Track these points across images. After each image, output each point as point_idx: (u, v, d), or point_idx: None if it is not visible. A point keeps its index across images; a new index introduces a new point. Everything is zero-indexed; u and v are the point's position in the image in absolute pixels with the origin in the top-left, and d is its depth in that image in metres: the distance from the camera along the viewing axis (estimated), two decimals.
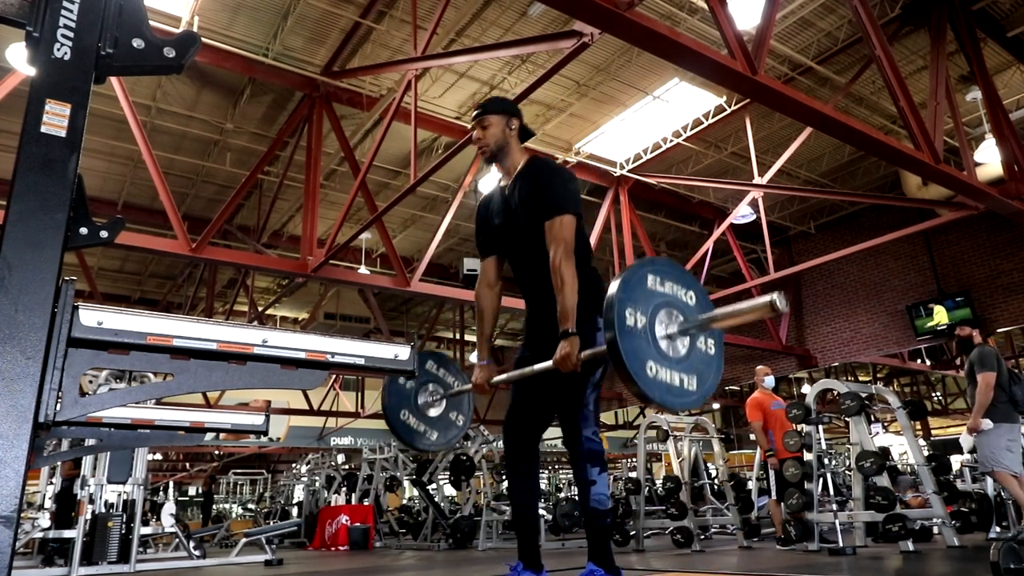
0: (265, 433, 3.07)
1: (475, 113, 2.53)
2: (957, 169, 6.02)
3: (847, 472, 6.22)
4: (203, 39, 2.81)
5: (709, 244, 9.55)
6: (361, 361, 1.60)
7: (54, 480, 6.60)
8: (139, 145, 6.60)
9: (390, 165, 9.20)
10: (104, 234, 1.39)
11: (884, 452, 6.33)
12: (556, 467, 19.97)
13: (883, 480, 5.17)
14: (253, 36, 6.78)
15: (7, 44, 5.99)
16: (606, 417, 17.87)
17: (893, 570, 3.87)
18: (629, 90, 7.68)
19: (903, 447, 8.30)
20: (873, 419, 5.93)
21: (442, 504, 10.52)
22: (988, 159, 7.22)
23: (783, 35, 6.95)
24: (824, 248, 10.45)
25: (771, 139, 8.74)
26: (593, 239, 8.94)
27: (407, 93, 6.54)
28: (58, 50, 1.32)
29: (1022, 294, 9.07)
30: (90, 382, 5.79)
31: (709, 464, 9.13)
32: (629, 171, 9.12)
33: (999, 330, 9.72)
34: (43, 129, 1.27)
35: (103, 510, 5.61)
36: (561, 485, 17.48)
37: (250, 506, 19.26)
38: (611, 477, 17.31)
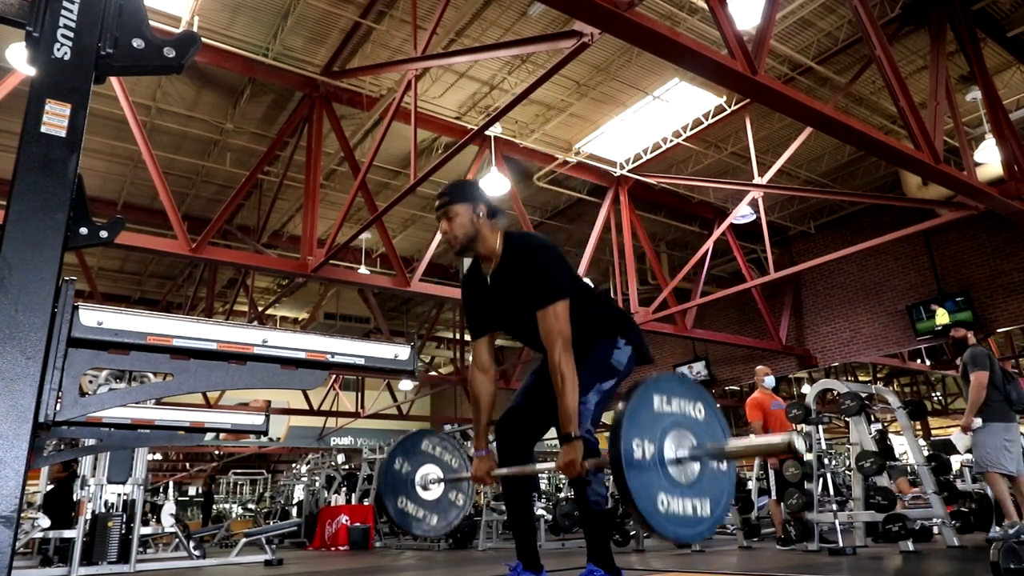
0: (265, 433, 3.07)
1: (437, 204, 2.34)
2: (957, 169, 6.02)
3: (847, 472, 6.22)
4: (203, 39, 2.80)
5: (709, 244, 9.55)
6: (361, 361, 1.60)
7: (42, 481, 6.61)
8: (139, 145, 6.60)
9: (390, 165, 9.20)
10: (104, 234, 1.39)
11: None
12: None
13: (883, 480, 5.17)
14: (253, 36, 6.78)
15: (7, 44, 5.99)
16: (605, 415, 17.78)
17: (893, 570, 3.86)
18: (629, 90, 7.68)
19: (903, 447, 8.29)
20: (873, 419, 5.92)
21: None
22: (988, 159, 7.22)
23: (783, 35, 6.95)
24: (824, 248, 10.45)
25: (771, 139, 8.74)
26: (593, 239, 8.95)
27: (407, 93, 6.54)
28: (58, 50, 1.32)
29: (1022, 294, 9.07)
30: (90, 382, 5.79)
31: None
32: (629, 171, 9.12)
33: (999, 330, 9.71)
34: (43, 129, 1.27)
35: (103, 510, 5.61)
36: (561, 485, 17.44)
37: (250, 506, 19.25)
38: (611, 477, 17.31)
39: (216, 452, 19.58)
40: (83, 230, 1.37)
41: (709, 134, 8.57)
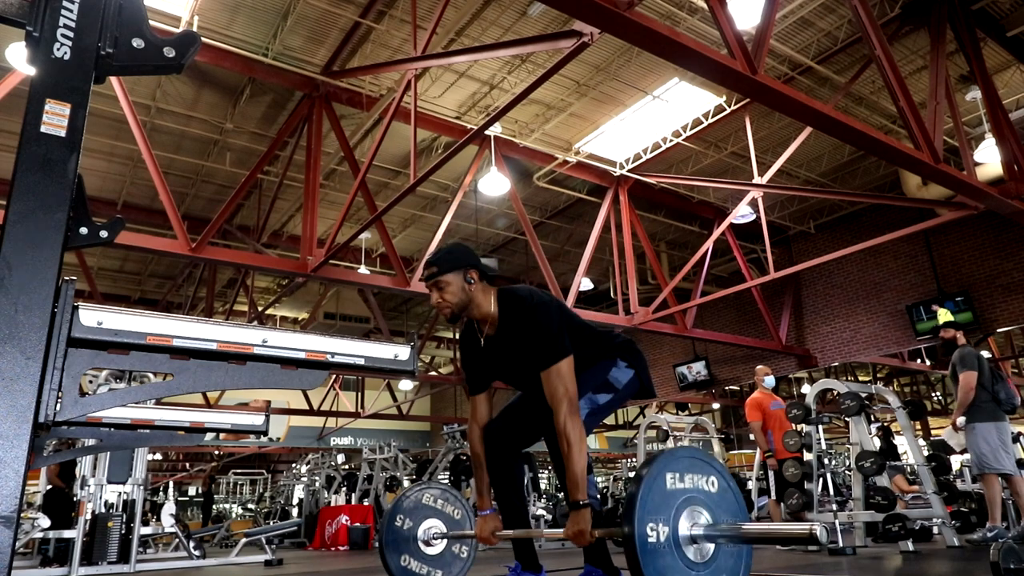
0: (265, 433, 3.07)
1: (425, 275, 2.26)
2: (957, 169, 6.02)
3: (847, 472, 6.22)
4: (203, 39, 2.80)
5: (709, 244, 9.55)
6: (361, 361, 1.60)
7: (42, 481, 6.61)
8: (139, 145, 6.59)
9: (390, 165, 9.20)
10: (104, 234, 1.39)
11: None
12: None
13: (883, 480, 5.17)
14: (253, 36, 6.78)
15: (7, 44, 5.99)
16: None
17: (893, 570, 3.86)
18: (629, 90, 7.68)
19: (903, 447, 8.30)
20: (873, 419, 5.93)
21: None
22: (988, 159, 7.21)
23: (783, 35, 6.95)
24: (824, 248, 10.45)
25: (771, 139, 8.74)
26: (593, 239, 8.95)
27: (407, 93, 6.54)
28: (58, 50, 1.32)
29: (1022, 294, 9.07)
30: (90, 382, 5.79)
31: None
32: (629, 171, 9.12)
33: (999, 330, 9.72)
34: (43, 129, 1.27)
35: (103, 510, 5.61)
36: (560, 485, 17.44)
37: (250, 506, 19.26)
38: (611, 477, 17.29)
39: (216, 452, 19.58)
40: (83, 230, 1.37)
41: (709, 134, 8.57)
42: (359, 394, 17.93)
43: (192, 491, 21.36)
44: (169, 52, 1.47)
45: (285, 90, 7.64)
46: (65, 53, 1.33)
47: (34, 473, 7.29)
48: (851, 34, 6.94)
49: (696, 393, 13.79)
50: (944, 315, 6.07)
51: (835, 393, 5.78)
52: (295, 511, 13.35)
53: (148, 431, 2.64)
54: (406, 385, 17.98)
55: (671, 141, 8.53)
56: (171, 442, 2.95)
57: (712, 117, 8.06)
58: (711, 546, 1.71)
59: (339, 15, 6.56)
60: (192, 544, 6.60)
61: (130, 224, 9.29)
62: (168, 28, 6.10)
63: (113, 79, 6.23)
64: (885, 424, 7.51)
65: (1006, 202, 6.29)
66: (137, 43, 1.44)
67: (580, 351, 2.21)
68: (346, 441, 19.89)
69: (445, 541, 2.56)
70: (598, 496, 2.31)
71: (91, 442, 2.91)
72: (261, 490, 20.72)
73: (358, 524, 8.99)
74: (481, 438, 2.39)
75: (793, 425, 5.66)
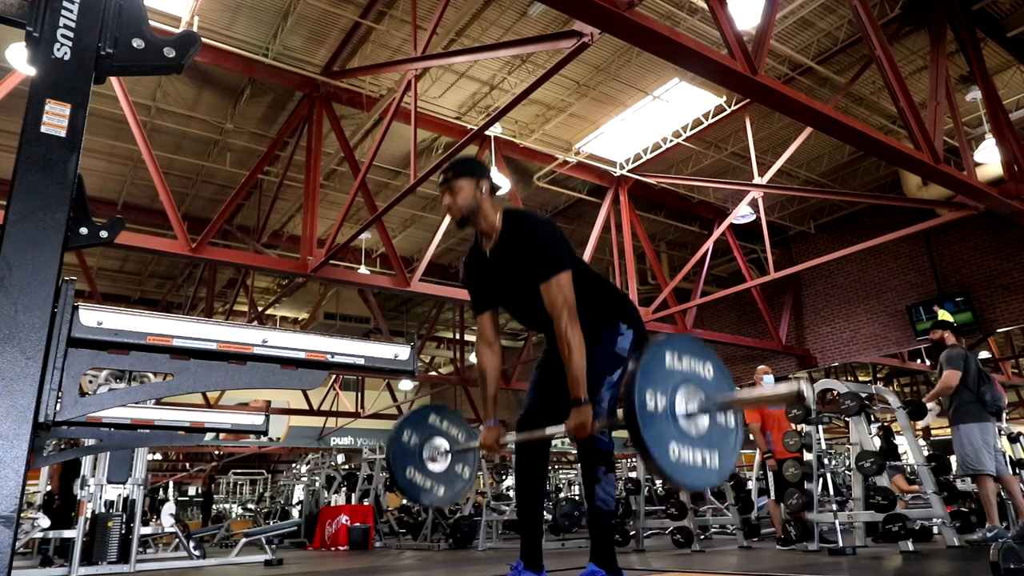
0: (265, 433, 3.07)
1: (441, 179, 2.41)
2: (957, 169, 6.02)
3: (847, 472, 6.23)
4: (203, 39, 2.80)
5: (709, 244, 9.55)
6: (361, 361, 1.61)
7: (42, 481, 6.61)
8: (139, 145, 6.59)
9: (390, 165, 9.20)
10: (104, 234, 1.39)
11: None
12: (556, 467, 19.98)
13: (883, 480, 5.16)
14: (253, 36, 6.79)
15: (7, 44, 5.99)
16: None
17: (893, 570, 3.86)
18: (629, 90, 7.68)
19: (903, 447, 8.30)
20: (873, 419, 5.93)
21: None
22: (988, 159, 7.22)
23: (783, 35, 6.95)
24: (824, 248, 10.45)
25: (771, 139, 8.74)
26: (593, 239, 8.95)
27: (407, 93, 6.54)
28: (58, 50, 1.32)
29: (1022, 294, 9.07)
30: (90, 382, 5.79)
31: None
32: (629, 171, 9.12)
33: (999, 330, 9.72)
34: (43, 129, 1.27)
35: (103, 510, 5.61)
36: (561, 485, 17.47)
37: (250, 506, 19.26)
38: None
39: (216, 452, 19.58)
40: (83, 230, 1.37)
41: (709, 134, 8.57)
42: (359, 394, 17.93)
43: (192, 491, 21.36)
44: (169, 52, 1.47)
45: (285, 90, 7.65)
46: (65, 53, 1.33)
47: (34, 473, 7.28)
48: (851, 34, 6.94)
49: None
50: (944, 316, 6.10)
51: (835, 393, 5.77)
52: (295, 511, 13.34)
53: (148, 431, 2.64)
54: (406, 385, 17.98)
55: (671, 141, 8.53)
56: (171, 442, 2.95)
57: (712, 117, 8.06)
58: (705, 423, 1.82)
59: (339, 15, 6.56)
60: (192, 544, 6.60)
61: (130, 224, 9.29)
62: (168, 28, 6.10)
63: (113, 79, 6.23)
64: (885, 424, 7.52)
65: (1006, 202, 6.30)
66: (137, 43, 1.45)
67: (584, 290, 2.33)
68: (346, 441, 19.87)
69: (449, 459, 2.65)
70: (614, 498, 2.35)
71: (91, 442, 2.91)
72: (261, 490, 20.72)
73: (358, 524, 8.98)
74: (486, 354, 2.55)
75: (793, 425, 5.66)
